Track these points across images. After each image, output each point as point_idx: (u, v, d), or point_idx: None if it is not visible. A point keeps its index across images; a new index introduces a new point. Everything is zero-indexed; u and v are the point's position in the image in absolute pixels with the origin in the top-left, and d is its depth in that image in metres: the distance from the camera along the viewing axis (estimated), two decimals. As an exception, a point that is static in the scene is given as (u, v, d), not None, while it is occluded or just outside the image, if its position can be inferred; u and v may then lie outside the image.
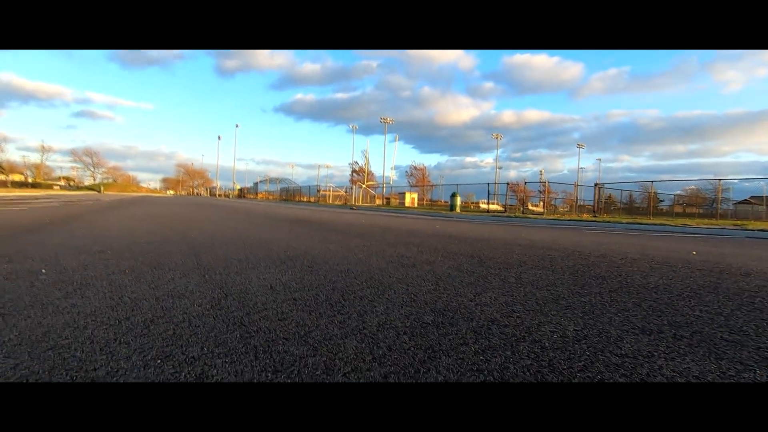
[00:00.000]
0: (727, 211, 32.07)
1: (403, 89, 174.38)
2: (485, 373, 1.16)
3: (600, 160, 70.54)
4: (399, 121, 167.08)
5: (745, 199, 37.94)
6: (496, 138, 57.50)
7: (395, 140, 63.65)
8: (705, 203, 33.31)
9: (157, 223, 6.08)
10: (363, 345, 1.34)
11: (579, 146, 61.99)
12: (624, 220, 14.83)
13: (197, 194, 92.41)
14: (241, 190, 73.56)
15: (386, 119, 52.19)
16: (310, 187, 53.33)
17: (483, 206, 30.96)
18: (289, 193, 57.46)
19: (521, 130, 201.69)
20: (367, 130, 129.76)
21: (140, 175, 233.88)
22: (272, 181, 70.95)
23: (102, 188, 71.12)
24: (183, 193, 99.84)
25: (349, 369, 1.16)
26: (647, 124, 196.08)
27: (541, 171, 60.91)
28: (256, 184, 74.89)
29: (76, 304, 1.71)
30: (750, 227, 11.73)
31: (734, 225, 12.84)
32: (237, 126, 73.31)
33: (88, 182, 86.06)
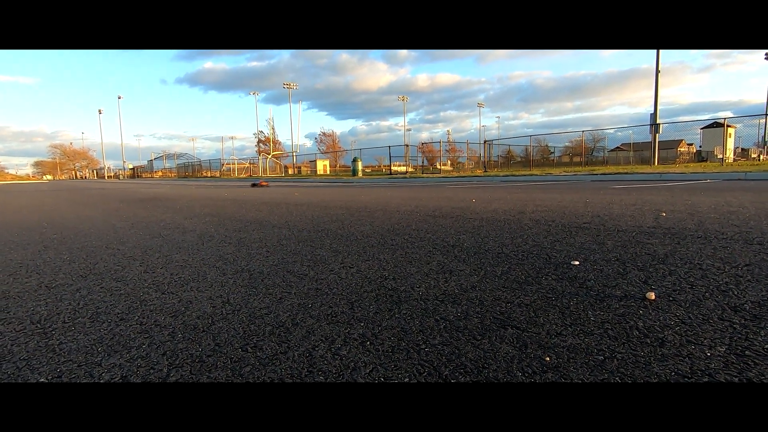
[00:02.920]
0: (605, 158, 36.58)
1: (321, 56, 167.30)
2: None
3: (499, 117, 75.59)
4: (316, 89, 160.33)
5: (617, 147, 43.64)
6: (402, 100, 57.97)
7: (299, 106, 61.20)
8: (587, 152, 37.48)
9: None
10: None
11: (479, 105, 65.60)
12: (501, 174, 15.98)
13: (82, 177, 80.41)
14: (134, 169, 65.05)
15: (290, 85, 49.40)
16: (210, 161, 48.88)
17: (395, 168, 31.29)
18: (192, 169, 52.31)
19: (434, 93, 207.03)
20: (283, 99, 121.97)
21: (12, 160, 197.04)
22: (170, 157, 63.69)
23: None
24: (63, 177, 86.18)
25: None
26: (542, 84, 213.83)
27: (448, 131, 63.30)
28: (150, 161, 66.67)
29: None
30: (597, 172, 13.34)
31: (590, 171, 14.50)
32: (120, 97, 64.19)
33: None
